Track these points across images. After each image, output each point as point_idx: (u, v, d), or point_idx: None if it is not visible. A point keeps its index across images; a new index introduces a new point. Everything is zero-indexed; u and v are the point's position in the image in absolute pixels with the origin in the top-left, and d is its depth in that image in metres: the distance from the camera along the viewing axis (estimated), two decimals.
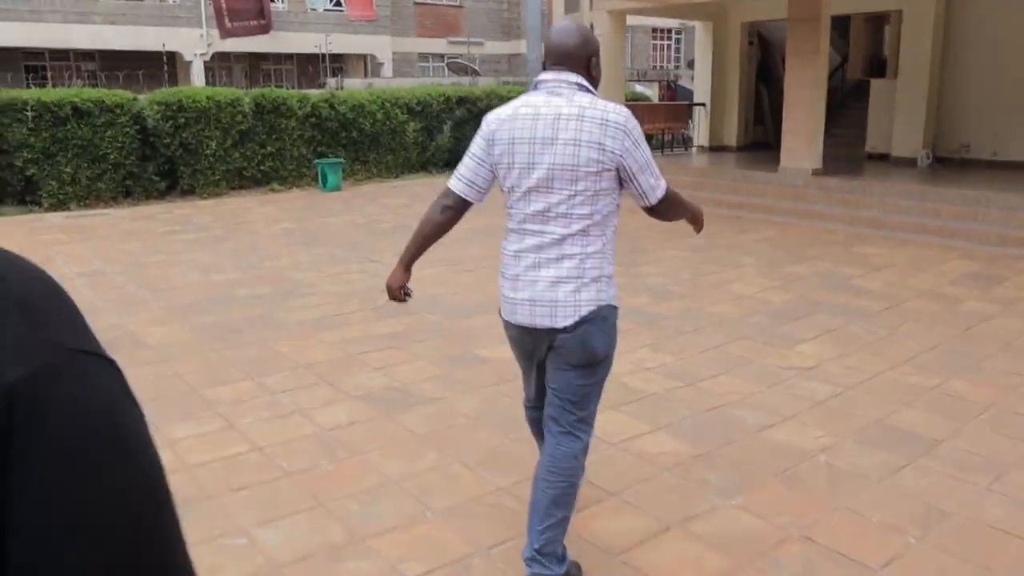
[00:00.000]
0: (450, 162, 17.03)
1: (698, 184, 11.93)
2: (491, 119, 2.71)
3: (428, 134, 16.67)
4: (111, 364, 0.63)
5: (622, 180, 2.61)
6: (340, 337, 5.74)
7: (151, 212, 11.97)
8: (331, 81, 18.45)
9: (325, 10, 22.45)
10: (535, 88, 2.68)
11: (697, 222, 3.02)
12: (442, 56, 25.37)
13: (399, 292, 3.05)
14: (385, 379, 4.89)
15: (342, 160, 14.74)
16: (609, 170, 2.55)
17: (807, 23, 10.76)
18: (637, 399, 4.55)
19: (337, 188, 14.38)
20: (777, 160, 11.69)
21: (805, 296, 6.82)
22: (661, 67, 33.55)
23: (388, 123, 15.96)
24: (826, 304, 6.57)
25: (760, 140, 16.23)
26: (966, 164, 12.91)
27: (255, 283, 7.38)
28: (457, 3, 26.76)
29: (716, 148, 15.89)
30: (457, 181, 2.77)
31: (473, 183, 2.75)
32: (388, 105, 15.99)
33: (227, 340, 5.68)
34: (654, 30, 34.49)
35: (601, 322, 2.63)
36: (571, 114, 2.54)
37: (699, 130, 16.22)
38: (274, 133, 14.56)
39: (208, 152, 13.60)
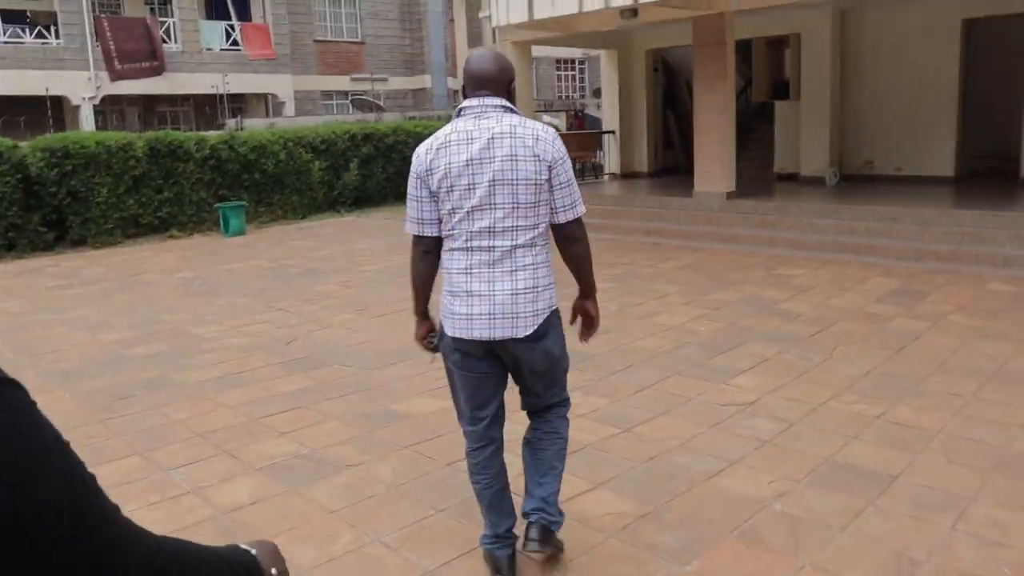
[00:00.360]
0: (359, 200, 16.57)
1: (612, 212, 11.76)
2: (421, 152, 2.77)
3: (335, 172, 16.16)
4: (19, 387, 0.73)
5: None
6: (243, 398, 5.21)
7: (37, 266, 11.13)
8: (230, 122, 17.77)
9: (222, 50, 21.69)
10: (459, 115, 2.76)
11: (592, 307, 3.04)
12: (346, 93, 24.88)
13: (424, 342, 3.07)
14: (293, 445, 4.39)
15: (244, 203, 14.11)
16: (546, 180, 2.71)
17: (712, 48, 10.74)
18: (572, 451, 4.15)
19: (240, 232, 13.72)
20: (691, 184, 11.61)
21: (734, 324, 6.59)
22: (567, 97, 33.77)
23: (292, 163, 15.41)
24: (756, 331, 6.35)
25: (670, 165, 16.26)
26: (872, 180, 13.11)
27: (149, 340, 6.76)
28: (359, 40, 26.34)
29: (628, 175, 15.83)
30: (412, 224, 2.84)
31: (424, 220, 2.80)
32: (291, 144, 15.46)
33: (114, 409, 5.09)
34: (558, 60, 34.74)
35: (555, 328, 2.87)
36: (504, 132, 2.67)
37: (610, 158, 16.16)
38: (171, 177, 13.86)
39: (99, 200, 12.82)
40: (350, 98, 23.75)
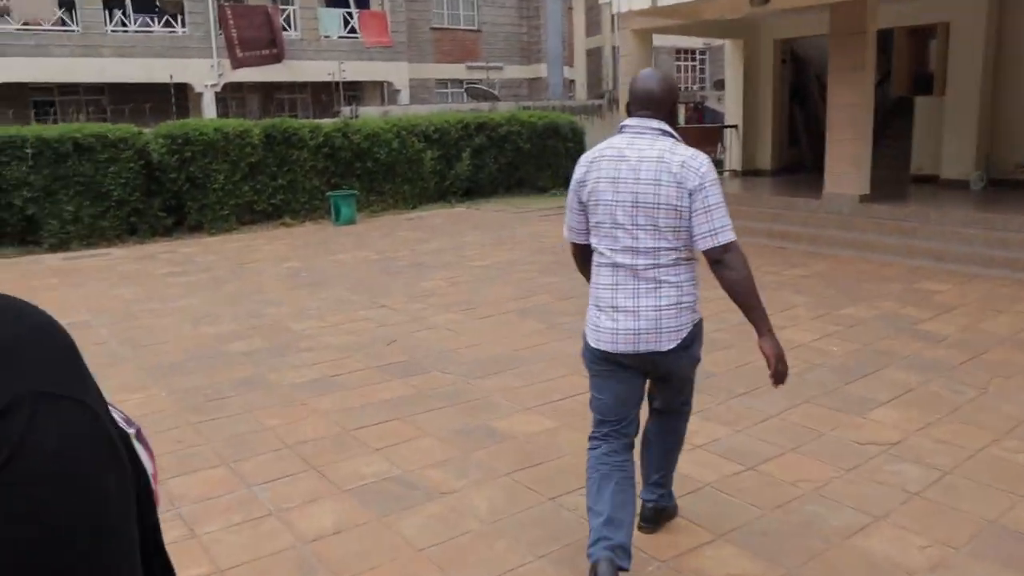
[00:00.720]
0: (470, 191, 16.35)
1: (735, 212, 10.98)
2: (581, 162, 2.92)
3: (446, 162, 15.98)
4: (79, 405, 0.68)
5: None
6: (337, 405, 4.96)
7: (154, 251, 11.32)
8: (345, 110, 17.84)
9: (339, 37, 21.85)
10: (620, 131, 2.88)
11: (766, 346, 2.94)
12: (461, 82, 24.75)
13: None
14: (384, 464, 4.09)
15: (356, 192, 14.07)
16: (687, 207, 2.73)
17: (852, 37, 9.94)
18: (689, 491, 3.71)
19: (351, 221, 13.69)
20: (819, 185, 10.84)
21: (870, 345, 5.96)
22: (687, 88, 32.78)
23: (404, 152, 15.31)
24: (897, 355, 5.71)
25: (795, 163, 15.39)
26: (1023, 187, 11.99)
27: (250, 335, 6.63)
28: (475, 28, 26.17)
29: (749, 172, 15.05)
30: (568, 231, 3.02)
31: (574, 228, 2.99)
32: (404, 133, 15.35)
33: (206, 410, 4.92)
34: (678, 51, 33.76)
35: (699, 338, 2.96)
36: (652, 156, 2.74)
37: (731, 154, 15.40)
38: (285, 165, 13.95)
39: (216, 186, 13.00)
40: (465, 87, 23.60)
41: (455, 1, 25.63)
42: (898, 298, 7.34)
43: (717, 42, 32.93)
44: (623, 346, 2.82)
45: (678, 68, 33.91)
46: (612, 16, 22.91)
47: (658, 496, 3.29)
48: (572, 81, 27.90)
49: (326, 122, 15.20)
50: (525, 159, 17.14)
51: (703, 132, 16.16)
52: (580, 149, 18.20)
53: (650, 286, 2.79)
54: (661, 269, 2.78)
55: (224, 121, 14.12)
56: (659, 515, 3.32)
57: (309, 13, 21.08)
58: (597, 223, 2.84)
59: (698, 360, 3.04)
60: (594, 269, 2.93)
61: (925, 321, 6.57)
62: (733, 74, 15.23)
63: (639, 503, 3.15)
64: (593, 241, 2.90)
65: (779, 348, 2.94)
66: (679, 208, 2.73)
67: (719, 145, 15.76)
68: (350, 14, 21.81)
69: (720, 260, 2.79)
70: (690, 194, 2.72)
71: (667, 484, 3.31)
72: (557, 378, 5.35)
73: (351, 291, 8.21)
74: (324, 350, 6.15)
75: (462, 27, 25.87)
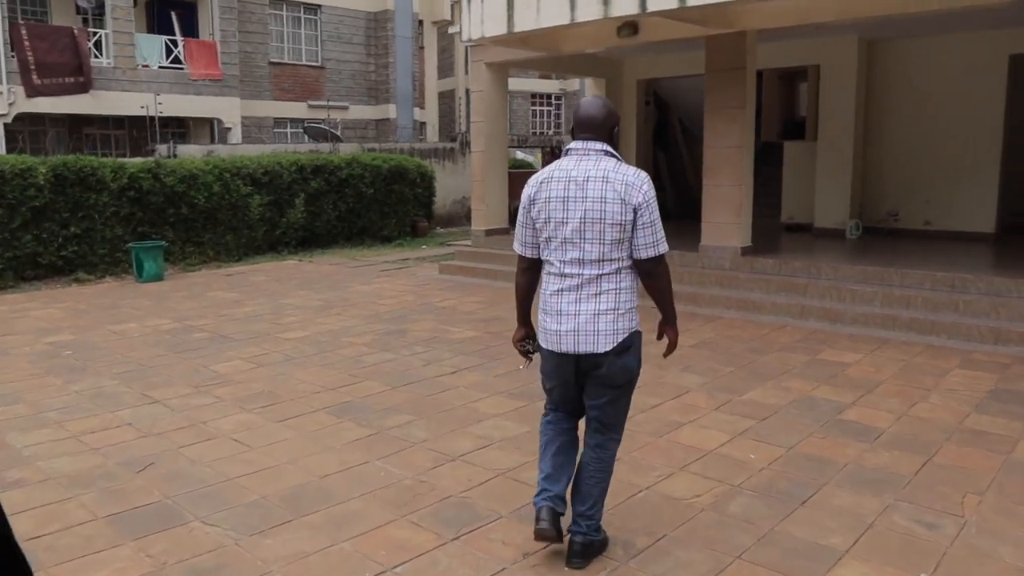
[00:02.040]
0: (306, 240, 14.48)
1: None
2: (530, 183, 3.21)
3: (278, 209, 14.07)
4: None
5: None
6: None
7: None
8: (161, 147, 15.60)
9: (161, 67, 19.46)
10: (566, 154, 3.15)
11: (671, 332, 3.31)
12: (302, 121, 22.76)
13: (523, 348, 3.43)
14: None
15: (162, 243, 11.91)
16: (630, 221, 3.03)
17: (730, 73, 8.88)
18: None
19: (157, 277, 11.55)
20: (691, 236, 9.69)
21: (795, 449, 4.58)
22: (542, 133, 32.04)
23: (227, 196, 13.32)
24: (833, 464, 4.34)
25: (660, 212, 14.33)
26: (897, 235, 11.34)
27: None
28: (318, 64, 24.26)
29: None
30: (518, 244, 3.28)
31: (526, 243, 3.25)
32: (227, 175, 13.37)
33: None
34: (533, 95, 33.07)
35: (636, 348, 3.18)
36: (598, 176, 3.04)
37: None
38: (80, 210, 11.71)
39: None
40: (304, 126, 21.66)
41: (297, 35, 23.70)
42: (806, 375, 6.08)
43: (573, 88, 32.43)
44: (565, 346, 3.12)
45: (533, 113, 33.20)
46: (466, 57, 21.64)
47: (587, 528, 3.26)
48: (423, 124, 26.45)
49: (133, 161, 12.99)
50: (368, 205, 15.43)
51: None
52: (430, 194, 16.66)
53: (592, 293, 3.07)
54: (604, 278, 3.07)
55: (2, 157, 11.72)
56: (588, 549, 3.28)
57: (125, 39, 18.60)
58: (548, 238, 3.13)
59: (633, 373, 3.22)
60: (543, 278, 3.22)
61: (848, 408, 5.29)
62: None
63: (568, 539, 3.29)
64: (543, 254, 3.19)
65: (677, 333, 3.32)
66: (623, 223, 3.02)
67: None
68: (174, 42, 19.50)
69: (653, 272, 3.13)
70: (634, 210, 3.02)
71: (596, 517, 3.29)
72: (375, 530, 3.64)
73: (119, 379, 6.22)
74: (43, 484, 4.19)
75: (304, 63, 23.92)
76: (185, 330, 7.97)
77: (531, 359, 3.47)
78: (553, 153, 22.87)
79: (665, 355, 3.39)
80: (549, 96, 33.55)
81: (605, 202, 2.99)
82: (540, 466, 3.35)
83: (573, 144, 3.14)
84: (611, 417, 3.27)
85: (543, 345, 3.22)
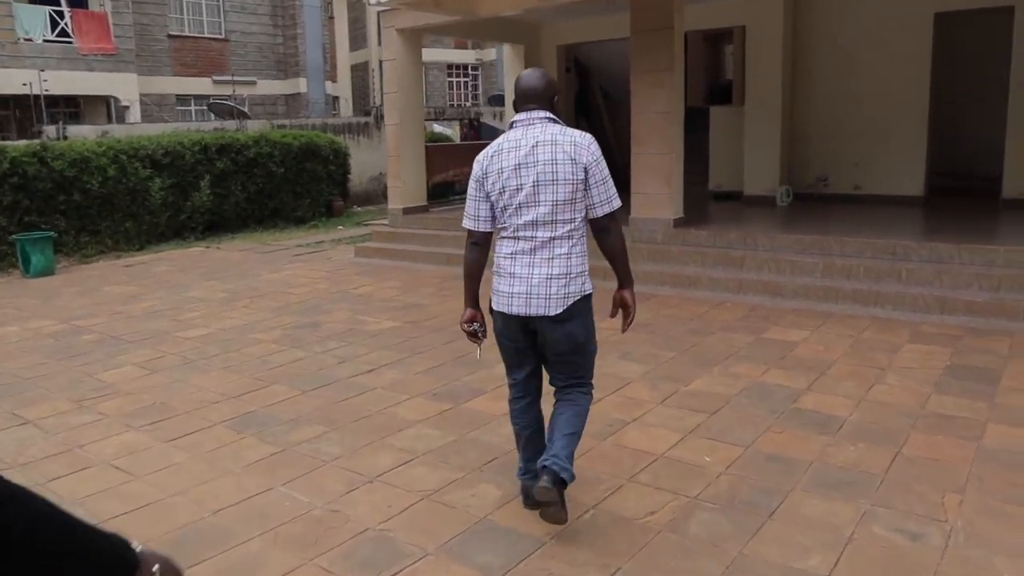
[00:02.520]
0: (213, 225, 13.57)
1: None
2: (480, 158, 3.27)
3: (181, 192, 13.11)
4: None
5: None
6: None
7: None
8: (49, 129, 14.41)
9: (46, 41, 18.04)
10: (512, 127, 3.23)
11: (628, 297, 3.38)
12: (207, 97, 21.52)
13: (470, 328, 3.36)
14: None
15: (51, 234, 10.92)
16: (582, 180, 3.13)
17: (657, 34, 8.37)
18: None
19: (47, 271, 10.58)
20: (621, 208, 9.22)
21: (753, 448, 4.13)
22: (459, 105, 31.25)
23: (125, 181, 12.33)
24: (796, 464, 3.91)
25: None
26: (827, 200, 11.10)
27: None
28: (222, 36, 22.96)
29: None
30: (468, 220, 3.31)
31: (478, 217, 3.28)
32: (124, 158, 12.36)
33: None
34: (449, 66, 32.21)
35: (584, 316, 3.23)
36: (546, 140, 3.13)
37: None
38: None
39: None
40: (208, 103, 20.46)
41: (197, 5, 22.31)
42: (753, 357, 5.66)
43: (490, 58, 31.64)
44: (516, 308, 3.18)
45: (450, 84, 32.37)
46: (378, 26, 20.76)
47: (558, 467, 3.12)
48: (336, 98, 25.39)
49: (15, 144, 11.88)
50: (279, 186, 14.56)
51: (479, 150, 14.33)
52: (344, 172, 15.84)
53: (545, 257, 3.13)
54: (556, 241, 3.12)
55: None
56: (557, 478, 3.11)
57: (3, 9, 17.14)
58: (504, 207, 3.19)
59: (587, 337, 3.27)
60: (497, 244, 3.27)
61: (802, 394, 4.88)
62: (513, 84, 13.49)
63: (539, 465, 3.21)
64: (498, 222, 3.25)
65: (635, 298, 3.41)
66: (575, 182, 3.11)
67: None
68: (60, 13, 18.04)
69: (607, 228, 3.23)
70: (585, 169, 3.13)
71: (567, 460, 3.18)
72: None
73: None
74: None
75: (207, 35, 22.59)
76: (72, 332, 7.15)
77: (482, 342, 3.39)
78: (472, 126, 22.19)
79: (624, 329, 3.44)
80: (466, 67, 32.74)
81: (556, 163, 3.08)
82: (519, 454, 3.49)
83: (518, 116, 3.21)
84: (572, 372, 3.31)
85: (495, 307, 3.26)
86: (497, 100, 23.27)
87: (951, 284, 6.79)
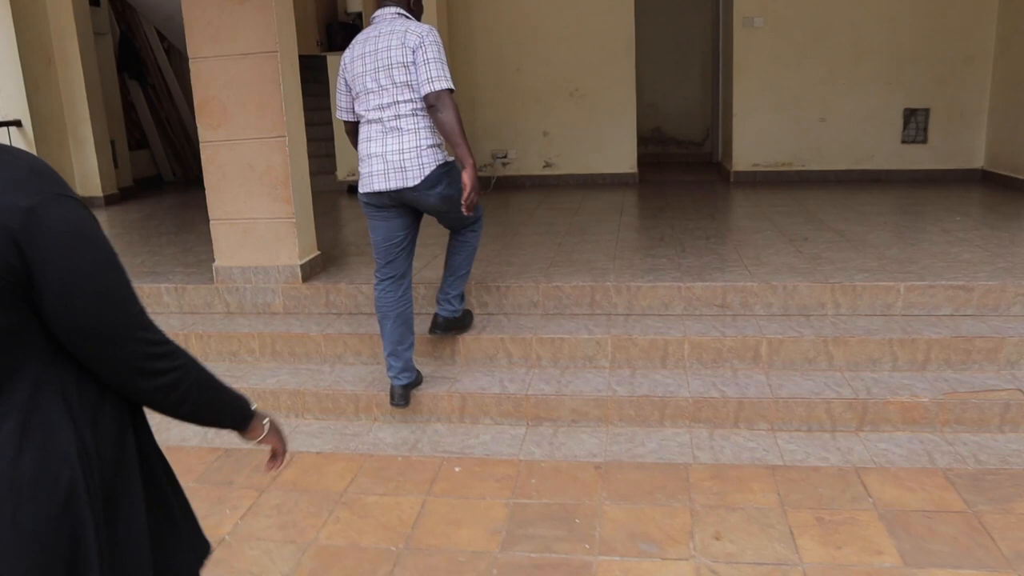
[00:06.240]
0: None
1: None
2: (344, 54, 3.44)
3: None
4: (80, 202, 1.12)
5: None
6: None
7: None
8: None
9: None
10: (372, 22, 3.41)
11: (466, 176, 3.25)
12: None
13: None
14: None
15: None
16: (412, 62, 3.23)
17: None
18: None
19: None
20: (197, 239, 4.90)
21: None
22: None
23: None
24: None
25: (153, 178, 9.26)
26: (514, 183, 7.74)
27: None
28: None
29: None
30: (341, 112, 3.52)
31: (343, 108, 3.51)
32: None
33: None
34: None
35: (450, 177, 3.35)
36: (387, 31, 3.31)
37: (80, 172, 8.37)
38: None
39: None
40: None
41: None
42: None
43: None
44: (378, 185, 3.32)
45: None
46: None
47: (449, 312, 3.73)
48: None
49: None
50: None
51: None
52: None
53: (393, 134, 3.29)
54: (402, 119, 3.28)
55: None
56: (448, 323, 3.76)
57: None
58: (357, 93, 3.37)
59: (454, 198, 3.36)
60: (359, 131, 3.46)
61: None
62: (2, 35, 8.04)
63: (433, 316, 3.79)
64: (358, 112, 3.41)
65: (476, 179, 3.28)
66: (406, 64, 3.24)
67: None
68: None
69: (437, 104, 3.23)
70: (413, 51, 3.23)
71: (457, 298, 3.73)
72: None
73: None
74: None
75: None
76: None
77: None
78: None
79: (465, 203, 3.28)
80: None
81: (391, 49, 3.25)
82: (383, 340, 3.56)
83: (376, 12, 3.40)
84: (456, 223, 3.58)
85: (360, 191, 3.40)
86: None
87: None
